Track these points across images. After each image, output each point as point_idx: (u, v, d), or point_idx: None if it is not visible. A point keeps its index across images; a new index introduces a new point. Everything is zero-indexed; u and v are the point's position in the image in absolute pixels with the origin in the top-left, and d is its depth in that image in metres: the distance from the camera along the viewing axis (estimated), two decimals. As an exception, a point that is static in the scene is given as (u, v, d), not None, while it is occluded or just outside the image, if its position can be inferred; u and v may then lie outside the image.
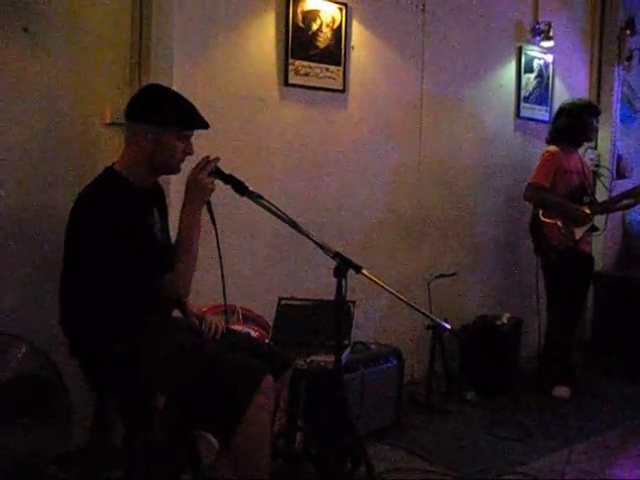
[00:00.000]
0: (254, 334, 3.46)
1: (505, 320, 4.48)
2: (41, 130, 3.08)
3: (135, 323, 2.42)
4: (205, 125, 2.59)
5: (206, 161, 2.50)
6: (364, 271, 2.48)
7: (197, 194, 2.48)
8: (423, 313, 2.64)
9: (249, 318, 3.66)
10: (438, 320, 2.75)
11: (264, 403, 2.38)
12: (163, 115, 2.50)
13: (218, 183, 2.56)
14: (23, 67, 3.03)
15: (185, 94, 3.27)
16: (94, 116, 3.17)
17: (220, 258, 2.54)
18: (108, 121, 3.17)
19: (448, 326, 2.78)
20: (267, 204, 2.52)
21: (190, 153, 2.58)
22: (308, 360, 3.07)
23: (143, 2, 3.23)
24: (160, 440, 2.62)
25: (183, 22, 3.37)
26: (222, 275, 2.55)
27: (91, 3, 3.17)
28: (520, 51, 4.95)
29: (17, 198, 3.04)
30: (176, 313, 2.81)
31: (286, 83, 3.78)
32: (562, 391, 4.38)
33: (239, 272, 3.69)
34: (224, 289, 2.56)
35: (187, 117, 2.56)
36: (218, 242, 2.56)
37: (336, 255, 2.49)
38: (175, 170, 2.57)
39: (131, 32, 3.26)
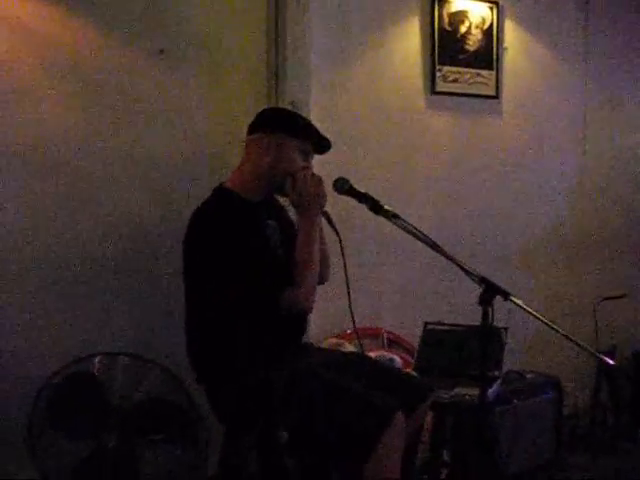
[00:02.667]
0: (398, 360, 3.27)
1: (686, 347, 4.01)
2: (177, 149, 3.08)
3: (261, 354, 2.31)
4: (327, 146, 2.49)
5: (318, 178, 2.40)
6: (513, 298, 2.21)
7: (310, 204, 2.37)
8: (580, 345, 2.32)
9: (395, 343, 3.49)
10: (600, 355, 2.44)
11: (393, 442, 2.18)
12: (287, 123, 2.45)
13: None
14: (160, 87, 3.04)
15: (325, 106, 3.27)
16: (231, 133, 3.12)
17: (345, 269, 2.43)
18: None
19: (611, 362, 2.47)
20: (405, 224, 2.32)
21: None
22: (452, 393, 2.84)
23: (278, 16, 3.16)
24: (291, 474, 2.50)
25: (320, 33, 3.27)
26: (348, 291, 2.44)
27: (226, 22, 3.14)
28: None
29: (153, 216, 3.06)
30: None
31: (433, 91, 3.59)
32: None
33: (385, 294, 3.55)
34: (350, 304, 2.45)
35: (311, 131, 2.47)
36: (343, 252, 2.43)
37: (482, 280, 2.24)
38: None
39: (267, 47, 3.20)
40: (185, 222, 2.41)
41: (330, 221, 2.48)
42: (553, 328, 2.23)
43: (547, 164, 3.96)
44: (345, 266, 2.44)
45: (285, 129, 2.42)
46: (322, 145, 2.49)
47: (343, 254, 2.44)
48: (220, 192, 2.43)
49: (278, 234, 2.47)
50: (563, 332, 2.23)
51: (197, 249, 2.34)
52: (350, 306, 2.46)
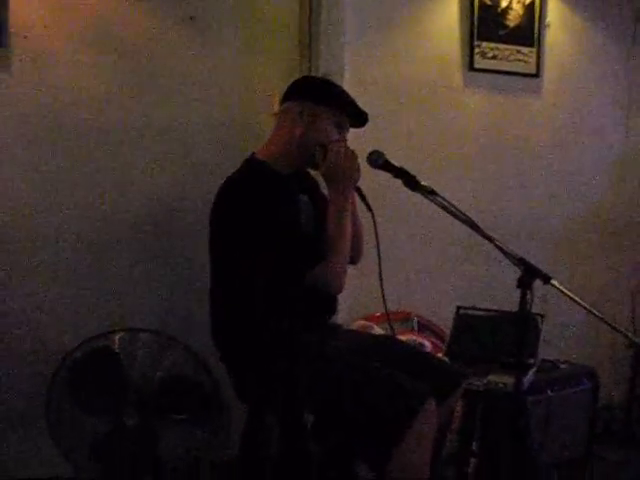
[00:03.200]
0: (428, 345, 3.16)
1: None
2: (206, 118, 3.01)
3: (288, 332, 2.20)
4: (364, 119, 2.36)
5: (351, 150, 2.27)
6: (554, 282, 2.10)
7: (341, 178, 2.24)
8: (621, 331, 2.21)
9: (425, 327, 3.37)
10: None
11: (424, 430, 2.06)
12: (325, 94, 2.32)
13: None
14: (189, 55, 2.98)
15: (359, 79, 3.15)
16: (262, 104, 3.04)
17: (378, 248, 2.31)
18: (275, 111, 2.99)
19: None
20: (442, 201, 2.20)
21: None
22: (485, 380, 2.72)
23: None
24: (314, 459, 2.40)
25: (356, 4, 3.16)
26: (380, 271, 2.32)
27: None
28: None
29: (178, 189, 2.99)
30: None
31: (471, 67, 3.46)
32: None
33: (415, 277, 3.44)
34: (382, 285, 2.34)
35: (349, 104, 2.33)
36: (376, 230, 2.31)
37: (521, 262, 2.12)
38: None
39: (300, 16, 3.10)
40: (213, 194, 2.31)
41: (363, 197, 2.36)
42: (595, 314, 2.11)
43: (587, 146, 3.82)
44: (378, 245, 2.33)
45: (319, 99, 2.30)
46: (359, 118, 2.36)
47: (376, 232, 2.32)
48: (250, 163, 2.32)
49: (311, 209, 2.36)
50: (604, 318, 2.12)
51: (225, 220, 2.23)
52: (382, 287, 2.35)
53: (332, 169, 2.25)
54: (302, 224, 2.28)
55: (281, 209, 2.18)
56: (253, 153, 2.35)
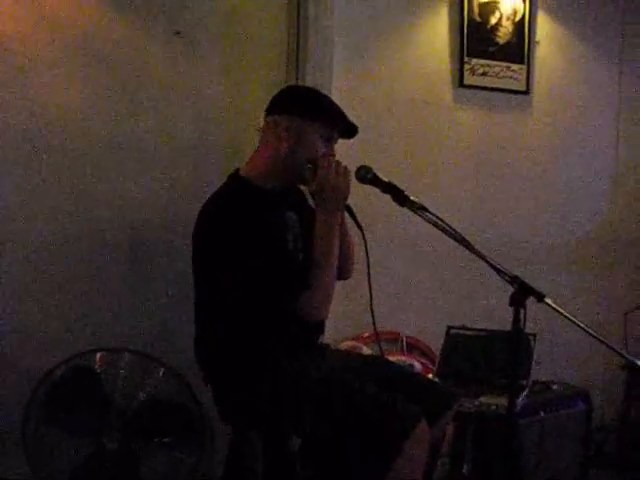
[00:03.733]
0: (418, 366, 3.10)
1: None
2: (191, 135, 2.96)
3: (274, 353, 2.13)
4: (353, 132, 2.28)
5: (344, 166, 2.18)
6: (548, 300, 2.04)
7: (331, 197, 2.15)
8: (617, 351, 2.15)
9: (414, 348, 3.32)
10: (635, 360, 2.30)
11: (415, 453, 2.00)
12: (311, 107, 2.22)
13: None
14: (175, 71, 2.94)
15: (347, 97, 3.08)
16: (247, 121, 2.98)
17: (368, 267, 2.24)
18: (260, 125, 2.95)
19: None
20: (433, 217, 2.14)
21: None
22: (476, 402, 2.66)
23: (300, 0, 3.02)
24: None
25: (344, 18, 3.13)
26: (370, 290, 2.24)
27: (245, 4, 3.02)
28: None
29: (162, 206, 2.93)
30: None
31: (461, 84, 3.44)
32: None
33: (405, 295, 3.38)
34: (371, 304, 2.25)
35: (337, 116, 2.25)
36: (367, 248, 2.23)
37: (514, 280, 2.06)
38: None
39: (287, 32, 3.06)
40: (192, 213, 2.23)
41: (353, 215, 2.27)
42: (590, 333, 2.04)
43: (578, 164, 3.77)
44: (368, 264, 2.25)
45: (307, 112, 2.20)
46: (348, 129, 2.27)
47: (367, 251, 2.24)
48: (234, 180, 2.24)
49: (298, 227, 2.27)
50: (599, 337, 2.06)
51: (208, 237, 2.15)
52: (371, 307, 2.28)
53: (322, 187, 2.16)
54: (289, 241, 2.21)
55: (266, 225, 2.10)
56: (237, 169, 2.28)
